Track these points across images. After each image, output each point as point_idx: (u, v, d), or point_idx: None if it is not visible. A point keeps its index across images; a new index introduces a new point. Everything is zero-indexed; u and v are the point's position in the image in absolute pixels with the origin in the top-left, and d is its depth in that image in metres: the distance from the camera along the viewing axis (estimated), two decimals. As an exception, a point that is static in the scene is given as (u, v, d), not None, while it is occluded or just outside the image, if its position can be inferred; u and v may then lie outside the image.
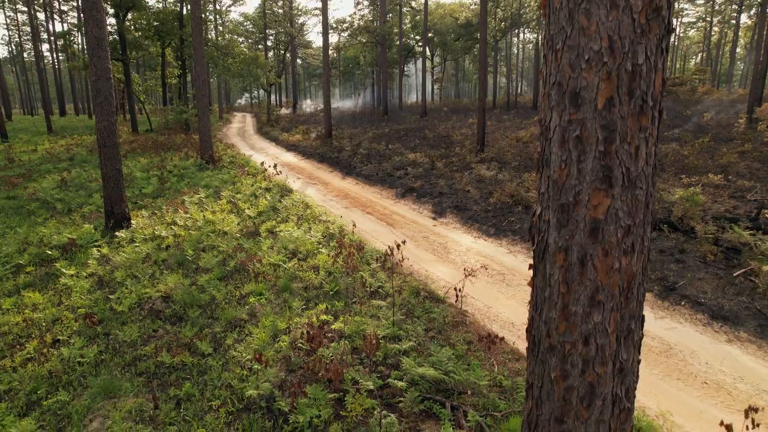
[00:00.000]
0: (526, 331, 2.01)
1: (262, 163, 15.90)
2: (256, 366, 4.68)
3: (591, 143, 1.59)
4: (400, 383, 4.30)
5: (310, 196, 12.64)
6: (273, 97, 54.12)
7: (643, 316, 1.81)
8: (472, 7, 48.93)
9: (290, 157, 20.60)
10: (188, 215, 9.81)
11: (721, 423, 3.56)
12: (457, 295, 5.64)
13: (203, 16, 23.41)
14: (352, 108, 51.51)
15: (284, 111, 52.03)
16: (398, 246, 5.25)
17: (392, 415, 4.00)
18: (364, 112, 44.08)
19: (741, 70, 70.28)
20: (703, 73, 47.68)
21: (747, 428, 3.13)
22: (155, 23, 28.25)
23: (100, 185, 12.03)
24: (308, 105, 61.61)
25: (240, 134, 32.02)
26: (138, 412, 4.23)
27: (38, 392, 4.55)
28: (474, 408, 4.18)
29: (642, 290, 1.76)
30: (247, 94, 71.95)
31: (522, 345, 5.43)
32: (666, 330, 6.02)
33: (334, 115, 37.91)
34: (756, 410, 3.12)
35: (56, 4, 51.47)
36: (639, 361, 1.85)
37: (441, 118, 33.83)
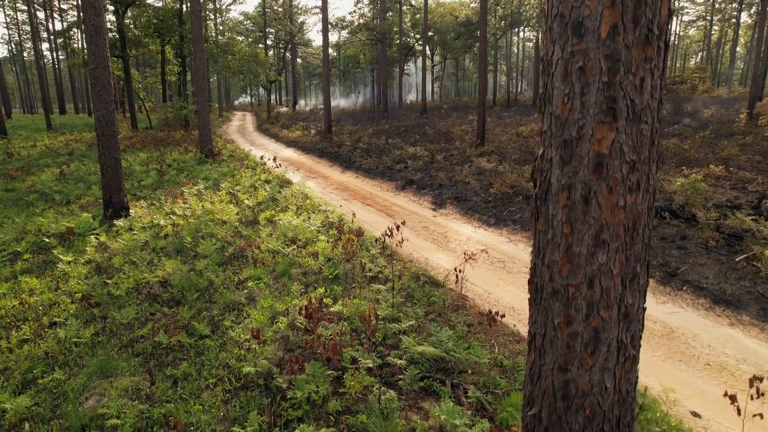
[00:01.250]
0: (528, 283, 1.96)
1: (261, 157, 15.86)
2: (254, 346, 4.63)
3: (594, 74, 1.54)
4: (399, 361, 4.26)
5: (309, 187, 12.59)
6: (273, 96, 54.11)
7: (648, 263, 1.76)
8: (473, 5, 48.95)
9: (290, 153, 20.55)
10: (187, 205, 9.77)
11: (725, 394, 3.52)
12: (457, 277, 5.59)
13: (203, 14, 23.39)
14: (352, 106, 51.48)
15: (284, 109, 52.01)
16: (397, 227, 5.20)
17: (391, 391, 3.95)
18: (364, 110, 44.03)
19: (741, 69, 70.23)
20: (703, 71, 47.60)
21: (752, 397, 3.08)
22: (155, 20, 28.21)
23: (98, 178, 12.00)
24: (308, 104, 61.62)
25: (240, 131, 31.99)
26: (134, 391, 4.18)
27: (34, 371, 4.50)
28: (474, 386, 4.12)
29: (647, 232, 1.72)
30: (247, 96, 71.95)
31: (523, 328, 5.38)
32: (668, 314, 5.97)
33: (334, 113, 37.89)
34: (761, 379, 3.08)
35: (56, 2, 51.44)
36: (644, 309, 1.80)
37: (441, 116, 33.80)
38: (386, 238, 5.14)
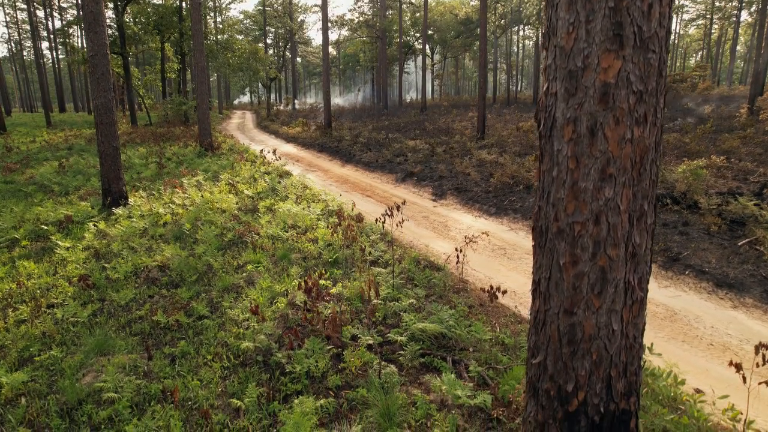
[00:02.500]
0: (532, 230, 1.92)
1: (261, 151, 15.82)
2: (253, 324, 4.59)
3: (600, 0, 1.50)
4: (400, 338, 4.21)
5: (310, 179, 12.55)
6: (273, 95, 54.06)
7: (656, 204, 1.72)
8: (472, 3, 48.92)
9: (290, 148, 20.51)
10: (186, 195, 9.72)
11: (731, 363, 3.48)
12: (458, 258, 5.54)
13: (203, 11, 23.33)
14: (351, 104, 51.42)
15: (284, 107, 51.98)
16: (398, 207, 5.15)
17: (392, 366, 3.90)
18: (364, 108, 44.00)
19: (741, 68, 70.20)
20: (703, 69, 47.53)
21: (757, 365, 3.04)
22: (154, 17, 28.17)
23: (98, 170, 11.95)
24: (308, 102, 61.58)
25: (239, 128, 31.95)
26: (132, 368, 4.14)
27: (31, 349, 4.46)
28: (476, 362, 4.08)
29: (655, 168, 1.67)
30: (246, 95, 71.89)
31: (524, 310, 5.34)
32: (670, 297, 5.93)
33: (334, 111, 37.83)
34: (767, 347, 3.03)
35: (55, 1, 51.41)
36: (651, 250, 1.76)
37: (441, 113, 33.75)
38: (386, 218, 5.09)
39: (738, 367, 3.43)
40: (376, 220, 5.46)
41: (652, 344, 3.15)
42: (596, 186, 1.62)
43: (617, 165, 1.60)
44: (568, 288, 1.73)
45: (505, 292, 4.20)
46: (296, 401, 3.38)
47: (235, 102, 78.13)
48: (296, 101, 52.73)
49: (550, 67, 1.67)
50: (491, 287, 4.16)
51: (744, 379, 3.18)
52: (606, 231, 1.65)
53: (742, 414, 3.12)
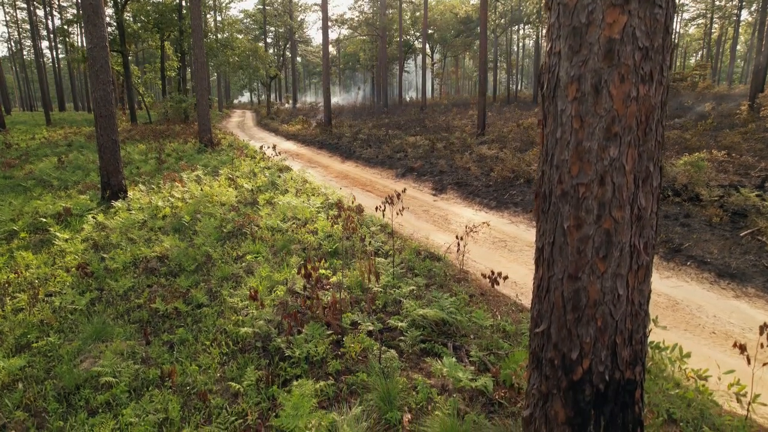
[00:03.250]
0: (535, 196, 1.88)
1: (261, 147, 15.79)
2: (252, 311, 4.55)
3: (606, -47, 1.47)
4: (400, 323, 4.18)
5: (309, 173, 12.51)
6: (273, 94, 54.01)
7: (662, 166, 1.68)
8: (472, 1, 48.89)
9: (290, 145, 20.48)
10: (186, 189, 9.69)
11: (735, 344, 3.45)
12: (458, 247, 5.50)
13: (203, 9, 23.31)
14: (351, 103, 51.40)
15: (284, 106, 51.95)
16: (398, 195, 5.12)
17: (393, 350, 3.87)
18: (364, 107, 43.98)
19: (741, 68, 70.17)
20: (703, 68, 47.48)
21: (762, 345, 3.01)
22: (154, 15, 28.14)
23: (97, 166, 11.91)
24: (308, 102, 61.52)
25: (239, 126, 31.92)
26: (130, 354, 4.10)
27: (28, 336, 4.43)
28: (477, 347, 4.05)
29: (661, 129, 1.64)
30: (246, 95, 71.86)
31: (525, 300, 5.30)
32: (672, 288, 5.89)
33: (334, 109, 37.78)
34: (771, 327, 3.00)
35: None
36: (657, 215, 1.72)
37: (441, 111, 33.69)
38: (386, 206, 5.06)
39: (742, 348, 3.40)
40: (376, 208, 5.42)
41: (656, 317, 3.10)
42: (601, 146, 1.59)
43: (622, 124, 1.56)
44: (573, 252, 1.69)
45: (506, 277, 4.17)
46: (295, 383, 3.34)
47: (235, 102, 78.09)
48: (296, 100, 52.70)
49: (553, 25, 1.64)
50: (492, 272, 4.13)
51: (748, 360, 3.16)
52: (611, 192, 1.61)
53: (747, 391, 3.09)
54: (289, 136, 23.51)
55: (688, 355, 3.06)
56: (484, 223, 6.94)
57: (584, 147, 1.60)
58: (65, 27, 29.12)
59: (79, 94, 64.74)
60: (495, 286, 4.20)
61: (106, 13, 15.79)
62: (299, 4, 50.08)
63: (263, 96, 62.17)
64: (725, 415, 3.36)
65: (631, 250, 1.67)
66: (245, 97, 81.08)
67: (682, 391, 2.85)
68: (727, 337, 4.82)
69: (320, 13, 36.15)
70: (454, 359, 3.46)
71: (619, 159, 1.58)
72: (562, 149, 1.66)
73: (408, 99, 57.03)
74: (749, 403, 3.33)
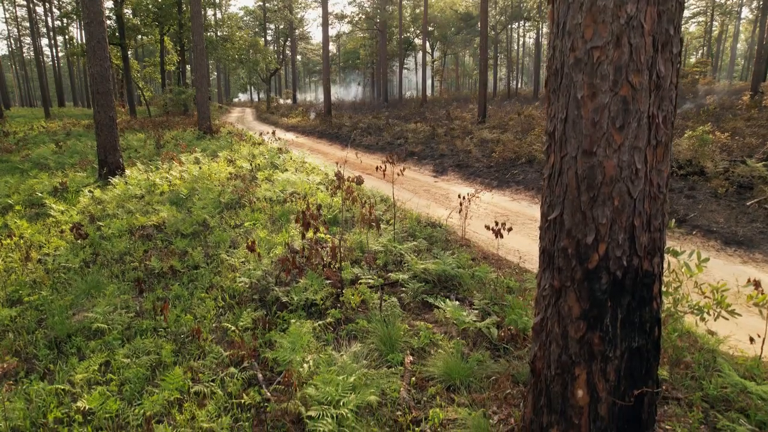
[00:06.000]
0: (545, 84, 1.77)
1: (261, 134, 15.69)
2: (250, 265, 4.44)
3: None
4: (402, 276, 4.06)
5: (309, 156, 12.41)
6: (273, 94, 53.87)
7: (681, 32, 1.57)
8: (472, -2, 48.82)
9: (290, 136, 20.35)
10: (184, 168, 9.57)
11: (749, 280, 3.35)
12: (461, 206, 5.38)
13: (202, 4, 23.19)
14: (351, 99, 51.30)
15: (284, 101, 51.87)
16: (398, 155, 5.01)
17: (394, 298, 3.76)
18: (364, 103, 43.89)
19: (741, 65, 70.10)
20: (704, 65, 47.44)
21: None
22: (154, 9, 28.06)
23: (95, 150, 11.78)
24: (308, 99, 61.39)
25: (239, 121, 31.78)
26: (124, 307, 3.99)
27: (20, 293, 4.31)
28: (480, 298, 3.93)
29: (682, -11, 1.53)
30: (246, 94, 71.72)
31: (529, 266, 5.19)
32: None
33: (334, 104, 37.69)
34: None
35: (55, -4, 51.23)
36: (677, 87, 1.62)
37: (441, 106, 33.56)
38: (387, 165, 4.95)
39: (757, 284, 3.30)
40: (377, 168, 5.31)
41: (672, 220, 2.98)
42: (617, 3, 1.48)
43: (641, -23, 1.46)
44: (587, 125, 1.58)
45: (510, 229, 4.06)
46: (293, 322, 3.23)
47: (234, 100, 77.95)
48: (296, 98, 52.60)
49: None
50: (497, 223, 4.01)
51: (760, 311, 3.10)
52: (628, 55, 1.51)
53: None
54: (288, 128, 23.40)
55: (707, 260, 2.96)
56: (484, 190, 6.81)
57: (599, 6, 1.49)
58: (64, 20, 29.01)
59: (79, 92, 64.59)
60: (499, 238, 4.08)
61: (106, 6, 15.65)
62: (299, 0, 49.99)
63: (263, 94, 62.08)
64: (738, 357, 3.27)
65: (649, 122, 1.56)
66: (245, 96, 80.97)
67: (698, 301, 2.77)
68: (735, 299, 4.71)
69: (320, 10, 36.01)
70: (457, 303, 3.34)
71: (636, 17, 1.48)
72: (575, 13, 1.55)
73: (408, 96, 56.92)
74: (762, 343, 3.26)
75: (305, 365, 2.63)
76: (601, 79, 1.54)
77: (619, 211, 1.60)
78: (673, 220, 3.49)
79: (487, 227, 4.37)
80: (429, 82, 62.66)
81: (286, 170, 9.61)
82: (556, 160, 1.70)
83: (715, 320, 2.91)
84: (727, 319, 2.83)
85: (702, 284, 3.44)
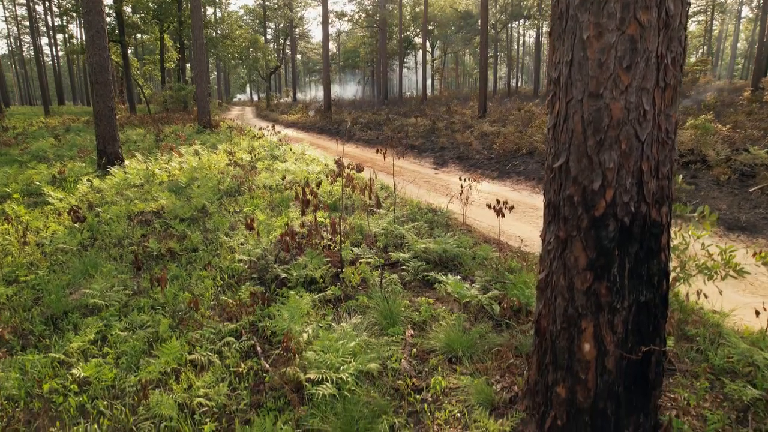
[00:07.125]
0: (550, 31, 1.73)
1: (260, 129, 15.65)
2: (249, 244, 4.39)
3: None
4: (402, 255, 4.02)
5: (309, 148, 12.36)
6: (272, 93, 53.81)
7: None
8: (473, -3, 48.79)
9: (290, 132, 20.30)
10: (183, 159, 9.53)
11: (755, 253, 3.31)
12: (461, 190, 5.34)
13: (201, 1, 23.14)
14: (351, 98, 51.27)
15: (284, 100, 51.84)
16: (398, 139, 4.96)
17: (395, 275, 3.71)
18: (364, 101, 43.84)
19: (741, 65, 70.08)
20: (704, 63, 47.43)
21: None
22: (153, 6, 28.01)
23: (94, 143, 11.74)
24: (307, 98, 61.35)
25: (239, 118, 31.69)
26: (121, 286, 3.94)
27: (16, 273, 4.27)
28: (482, 276, 3.89)
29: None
30: (245, 94, 71.69)
31: (530, 250, 5.15)
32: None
33: (334, 102, 37.65)
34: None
35: (54, -5, 51.20)
36: (685, 28, 1.57)
37: (441, 103, 33.54)
38: (387, 149, 4.90)
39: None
40: (377, 150, 5.26)
41: (680, 176, 2.95)
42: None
43: None
44: (593, 66, 1.54)
45: (512, 208, 4.01)
46: (292, 293, 3.19)
47: (234, 99, 77.93)
48: (296, 96, 52.57)
49: None
50: (498, 201, 3.97)
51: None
52: (637, -10, 1.46)
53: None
54: (288, 124, 23.37)
55: (715, 217, 2.93)
56: (477, 180, 6.78)
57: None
58: (64, 18, 28.96)
59: (79, 90, 64.52)
60: (500, 216, 4.04)
61: (105, 3, 15.59)
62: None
63: (262, 94, 62.03)
64: (744, 331, 3.24)
65: (657, 62, 1.52)
66: (244, 96, 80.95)
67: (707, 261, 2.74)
68: (739, 281, 4.67)
69: (320, 9, 35.96)
70: (458, 277, 3.30)
71: (646, -52, 1.44)
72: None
73: (408, 95, 56.86)
74: (769, 316, 3.22)
75: (304, 334, 2.59)
76: (607, 17, 1.50)
77: (626, 155, 1.56)
78: (680, 176, 3.45)
79: (489, 206, 4.32)
80: (429, 80, 62.65)
81: (286, 161, 9.57)
82: (561, 107, 1.66)
83: (722, 280, 2.89)
84: (735, 277, 2.80)
85: (705, 259, 3.41)
